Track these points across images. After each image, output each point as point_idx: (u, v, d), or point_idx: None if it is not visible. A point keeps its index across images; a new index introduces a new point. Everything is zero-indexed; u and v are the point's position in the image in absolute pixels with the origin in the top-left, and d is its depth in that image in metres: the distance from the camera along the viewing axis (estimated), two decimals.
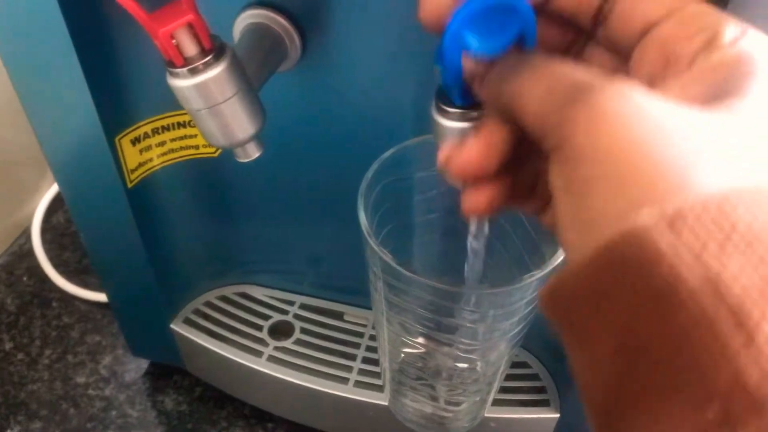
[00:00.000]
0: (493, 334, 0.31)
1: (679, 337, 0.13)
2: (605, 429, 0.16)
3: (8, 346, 0.55)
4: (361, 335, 0.46)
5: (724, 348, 0.13)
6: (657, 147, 0.14)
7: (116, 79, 0.34)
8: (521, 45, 0.22)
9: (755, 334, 0.13)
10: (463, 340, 0.32)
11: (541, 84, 0.17)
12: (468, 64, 0.21)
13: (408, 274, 0.27)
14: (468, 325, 0.30)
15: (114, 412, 0.50)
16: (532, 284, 0.28)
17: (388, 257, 0.28)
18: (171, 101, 0.29)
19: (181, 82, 0.26)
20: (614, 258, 0.14)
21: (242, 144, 0.29)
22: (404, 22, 0.31)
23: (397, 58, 0.33)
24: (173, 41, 0.25)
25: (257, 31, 0.32)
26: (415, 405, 0.39)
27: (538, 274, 0.27)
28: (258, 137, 0.29)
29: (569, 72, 0.17)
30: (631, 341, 0.14)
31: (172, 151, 0.39)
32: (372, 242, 0.28)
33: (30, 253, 0.62)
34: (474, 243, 0.27)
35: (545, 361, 0.44)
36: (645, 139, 0.14)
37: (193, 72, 0.26)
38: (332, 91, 0.36)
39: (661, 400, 0.14)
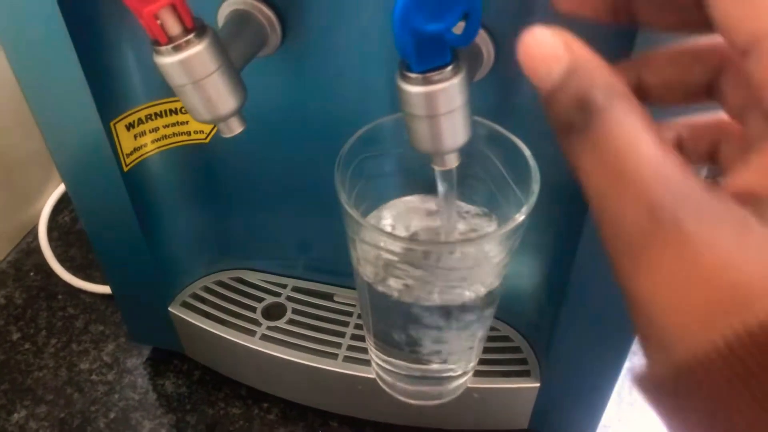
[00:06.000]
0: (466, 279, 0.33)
1: None
2: None
3: (15, 336, 0.58)
4: (350, 314, 0.48)
5: None
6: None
7: (111, 66, 0.37)
8: (466, 22, 0.24)
9: None
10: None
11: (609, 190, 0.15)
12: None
13: (378, 229, 0.29)
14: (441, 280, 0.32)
15: (116, 396, 0.53)
16: (501, 235, 0.30)
17: (359, 216, 0.30)
18: (163, 89, 0.31)
19: (166, 60, 0.29)
20: (757, 342, 0.13)
21: (225, 119, 0.31)
22: (381, 10, 0.34)
23: (374, 43, 0.35)
24: (158, 21, 0.28)
25: (239, 17, 0.34)
26: (400, 374, 0.41)
27: (503, 228, 0.29)
28: (240, 113, 0.32)
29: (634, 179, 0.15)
30: None
31: (165, 137, 0.41)
32: (346, 204, 0.30)
33: (37, 249, 0.65)
34: (443, 187, 0.29)
35: (526, 333, 0.46)
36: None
37: (177, 49, 0.28)
38: (313, 75, 0.38)
39: None
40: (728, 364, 0.13)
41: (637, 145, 0.15)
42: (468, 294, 0.35)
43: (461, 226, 0.36)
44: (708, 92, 0.19)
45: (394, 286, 0.34)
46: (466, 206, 0.36)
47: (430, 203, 0.37)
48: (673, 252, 0.13)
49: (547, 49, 0.17)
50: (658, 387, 0.14)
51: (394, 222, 0.37)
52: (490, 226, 0.35)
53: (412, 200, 0.38)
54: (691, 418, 0.14)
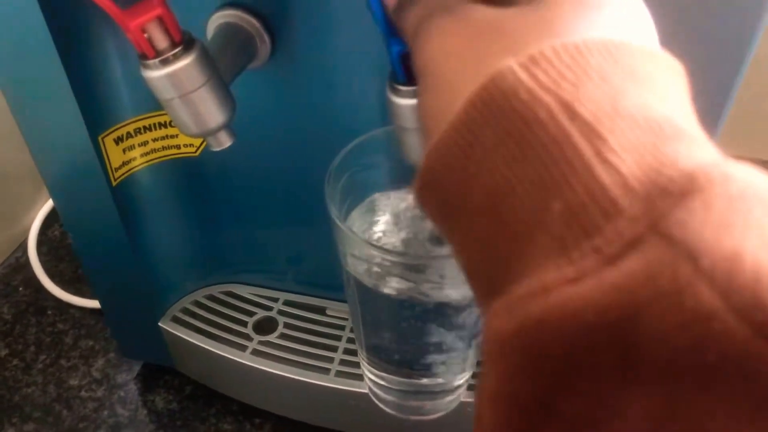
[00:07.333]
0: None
1: (541, 155, 0.14)
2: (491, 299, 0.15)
3: (3, 352, 0.57)
4: (342, 328, 0.47)
5: (579, 157, 0.14)
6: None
7: (99, 80, 0.36)
8: None
9: (604, 144, 0.14)
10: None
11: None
12: None
13: (370, 244, 0.29)
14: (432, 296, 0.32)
15: (106, 412, 0.52)
16: None
17: (350, 230, 0.29)
18: (152, 102, 0.31)
19: (154, 73, 0.28)
20: (477, 105, 0.15)
21: (213, 132, 0.31)
22: (372, 22, 0.33)
23: (364, 56, 0.35)
24: (145, 35, 0.27)
25: (229, 30, 0.34)
26: (393, 389, 0.40)
27: None
28: (229, 126, 0.31)
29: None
30: (500, 184, 0.15)
31: (154, 150, 0.41)
32: (336, 219, 0.30)
33: (26, 264, 0.64)
34: None
35: None
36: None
37: (165, 63, 0.28)
38: (303, 88, 0.37)
39: (531, 238, 0.14)
40: (501, 91, 0.15)
41: None
42: (461, 304, 0.34)
43: None
44: None
45: (385, 298, 0.34)
46: None
47: None
48: (446, 18, 0.19)
49: None
50: (445, 155, 0.17)
51: (385, 224, 0.37)
52: None
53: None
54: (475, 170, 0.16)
